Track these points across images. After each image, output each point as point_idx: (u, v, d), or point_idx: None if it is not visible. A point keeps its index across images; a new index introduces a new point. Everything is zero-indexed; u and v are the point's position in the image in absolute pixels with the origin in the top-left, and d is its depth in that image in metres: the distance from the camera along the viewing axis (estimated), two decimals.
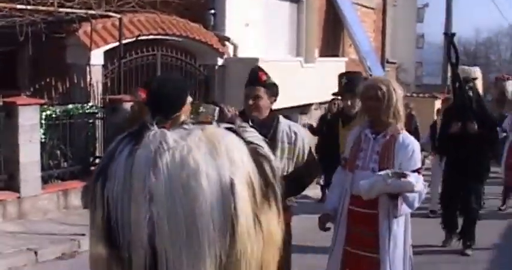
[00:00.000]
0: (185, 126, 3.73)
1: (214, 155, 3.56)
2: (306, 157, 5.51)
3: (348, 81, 7.23)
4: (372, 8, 24.80)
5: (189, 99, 4.05)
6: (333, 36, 21.48)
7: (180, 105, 3.89)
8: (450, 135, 9.35)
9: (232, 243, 3.58)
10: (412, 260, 5.58)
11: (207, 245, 3.54)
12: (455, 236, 9.77)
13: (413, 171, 5.22)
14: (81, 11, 12.25)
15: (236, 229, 3.56)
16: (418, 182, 5.04)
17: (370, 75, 19.33)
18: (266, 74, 5.52)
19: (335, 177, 5.80)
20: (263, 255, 3.78)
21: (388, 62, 26.24)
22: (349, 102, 7.20)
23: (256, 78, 5.47)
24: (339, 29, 21.55)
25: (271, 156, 3.97)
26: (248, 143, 3.87)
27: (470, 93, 9.35)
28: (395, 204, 5.18)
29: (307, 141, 5.57)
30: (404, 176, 4.98)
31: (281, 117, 5.59)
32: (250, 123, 4.58)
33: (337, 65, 18.58)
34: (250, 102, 5.42)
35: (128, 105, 11.78)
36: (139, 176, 3.55)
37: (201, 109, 4.44)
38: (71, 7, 12.34)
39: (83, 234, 9.35)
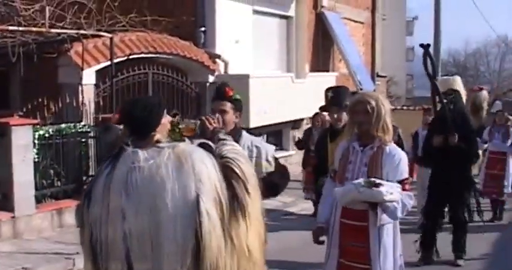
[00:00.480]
0: (159, 144, 3.87)
1: (181, 172, 3.69)
2: (273, 167, 5.65)
3: (334, 95, 7.34)
4: (361, 22, 24.98)
5: (167, 118, 4.19)
6: (323, 51, 21.62)
7: (152, 125, 4.01)
8: (433, 147, 9.38)
9: (200, 259, 3.67)
10: (403, 269, 5.70)
11: (168, 262, 3.66)
12: (432, 253, 9.60)
13: (400, 181, 5.39)
14: (72, 31, 12.34)
15: (203, 245, 3.66)
16: (392, 192, 5.17)
17: (361, 89, 19.46)
18: (232, 89, 5.67)
19: (325, 189, 5.95)
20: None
21: (378, 75, 26.39)
22: (335, 116, 7.31)
23: (223, 93, 5.65)
24: (328, 44, 21.70)
25: (247, 169, 4.05)
26: (221, 157, 4.00)
27: (451, 106, 9.36)
28: (375, 213, 5.30)
29: (271, 152, 5.70)
30: (377, 185, 5.12)
31: (244, 132, 5.75)
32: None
33: (327, 80, 18.68)
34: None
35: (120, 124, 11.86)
36: (115, 196, 3.71)
37: (180, 125, 4.60)
38: (62, 27, 12.43)
39: (78, 253, 9.42)
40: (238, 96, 5.74)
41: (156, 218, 3.63)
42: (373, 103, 5.47)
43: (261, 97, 15.59)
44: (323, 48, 21.57)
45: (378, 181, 5.21)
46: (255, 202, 4.01)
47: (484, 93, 13.53)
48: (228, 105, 5.60)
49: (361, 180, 5.25)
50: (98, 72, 12.82)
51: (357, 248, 5.49)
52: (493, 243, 11.13)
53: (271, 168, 5.65)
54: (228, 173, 3.93)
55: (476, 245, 10.09)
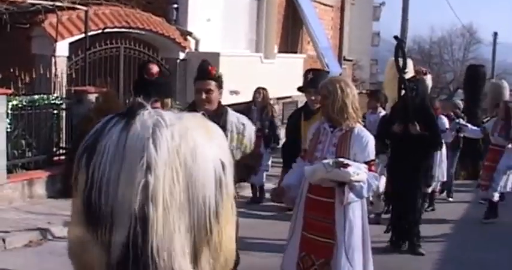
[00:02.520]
0: (173, 110, 4.06)
1: (208, 137, 3.88)
2: (252, 146, 5.84)
3: (313, 77, 7.55)
4: (331, 6, 25.13)
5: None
6: (292, 32, 21.78)
7: (172, 92, 4.23)
8: (393, 134, 9.31)
9: (218, 221, 3.91)
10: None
11: (202, 220, 3.84)
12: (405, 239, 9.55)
13: (367, 162, 5.65)
14: (48, 3, 12.33)
15: (222, 205, 3.90)
16: (358, 173, 5.41)
17: (327, 72, 19.66)
18: (214, 67, 5.82)
19: (294, 165, 6.17)
20: (234, 242, 4.19)
21: (345, 59, 26.61)
22: (312, 97, 7.52)
23: (207, 72, 5.76)
24: (298, 26, 21.85)
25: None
26: None
27: (413, 93, 9.29)
28: (342, 191, 5.53)
29: (253, 132, 5.91)
30: (345, 166, 5.35)
31: (229, 109, 5.91)
32: None
33: (295, 61, 18.91)
34: (204, 96, 5.71)
35: (92, 96, 11.95)
36: (135, 148, 3.76)
37: None
38: None
39: (49, 223, 9.56)
40: (221, 74, 5.89)
41: (187, 177, 3.77)
42: (331, 88, 5.75)
43: (230, 76, 15.61)
44: (292, 30, 21.73)
45: (346, 161, 5.44)
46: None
47: (429, 77, 13.68)
48: (213, 84, 5.74)
49: (329, 160, 5.47)
50: (71, 44, 12.84)
51: (322, 223, 5.72)
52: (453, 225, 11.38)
53: (249, 150, 5.83)
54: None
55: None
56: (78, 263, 4.19)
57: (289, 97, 19.78)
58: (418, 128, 9.06)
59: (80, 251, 4.10)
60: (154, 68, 4.42)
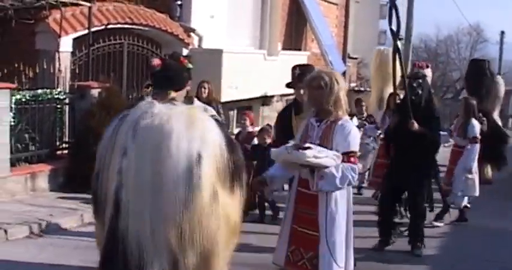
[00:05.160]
0: (174, 102, 4.22)
1: (189, 130, 4.01)
2: None
3: (301, 73, 7.67)
4: (335, 4, 25.23)
5: (187, 88, 4.63)
6: (296, 30, 21.88)
7: (176, 83, 4.39)
8: (395, 131, 9.20)
9: (190, 212, 3.98)
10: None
11: (171, 207, 3.96)
12: (391, 238, 9.43)
13: (346, 153, 5.63)
14: None
15: (194, 198, 3.97)
16: (318, 156, 5.42)
17: (332, 69, 19.75)
18: (185, 59, 5.96)
19: None
20: (218, 234, 4.17)
21: (349, 57, 26.68)
22: (301, 92, 7.64)
23: (178, 62, 5.92)
24: (302, 24, 21.96)
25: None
26: (226, 134, 4.40)
27: (419, 91, 9.08)
28: (312, 177, 5.58)
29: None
30: (305, 148, 5.41)
31: (196, 100, 6.08)
32: None
33: (299, 59, 18.92)
34: None
35: (95, 91, 12.09)
36: (121, 136, 4.04)
37: None
38: None
39: (51, 215, 9.70)
40: (190, 66, 6.03)
41: (158, 163, 3.94)
42: (327, 79, 5.77)
43: (233, 72, 15.85)
44: (296, 27, 21.83)
45: (307, 145, 5.50)
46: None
47: (429, 70, 13.45)
48: None
49: (292, 143, 5.57)
50: (74, 40, 12.97)
51: (308, 216, 5.81)
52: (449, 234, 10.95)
53: None
54: (234, 147, 4.35)
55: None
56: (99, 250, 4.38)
57: (292, 94, 19.83)
58: (416, 125, 8.88)
59: (99, 238, 4.34)
60: (155, 61, 4.59)
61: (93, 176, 4.25)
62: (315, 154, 5.41)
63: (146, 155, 3.97)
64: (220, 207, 4.12)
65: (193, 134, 4.02)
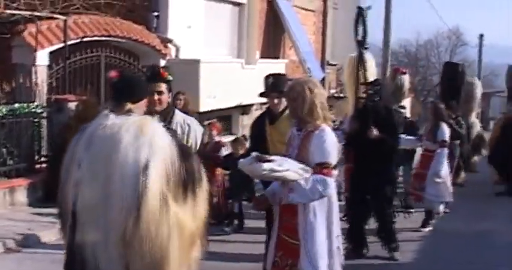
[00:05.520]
0: (130, 113, 4.30)
1: (138, 138, 4.10)
2: (198, 146, 6.08)
3: (274, 82, 7.75)
4: (313, 11, 25.30)
5: (145, 101, 4.70)
6: (274, 38, 21.95)
7: (132, 96, 4.46)
8: (357, 137, 9.18)
9: (137, 220, 4.02)
10: (342, 250, 5.99)
11: (120, 216, 4.02)
12: (363, 245, 9.43)
13: (319, 164, 5.56)
14: (27, 13, 12.51)
15: (142, 207, 4.01)
16: (278, 170, 5.37)
17: (310, 76, 19.82)
18: (165, 71, 6.10)
19: None
20: (169, 243, 4.14)
21: (328, 63, 26.70)
22: (275, 101, 7.71)
23: (158, 75, 6.08)
24: (279, 32, 22.03)
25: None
26: (179, 142, 4.44)
27: (376, 98, 9.20)
28: (285, 190, 5.58)
29: (199, 134, 6.14)
30: (266, 161, 5.38)
31: (177, 110, 6.20)
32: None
33: (277, 67, 19.00)
34: (156, 97, 5.98)
35: (72, 105, 12.11)
36: (79, 148, 4.15)
37: None
38: (17, 8, 12.60)
39: (29, 229, 9.72)
40: (170, 77, 6.15)
41: (107, 172, 4.02)
42: (299, 88, 5.75)
43: (211, 82, 15.90)
44: (274, 36, 21.90)
45: (270, 158, 5.44)
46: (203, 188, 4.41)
47: (406, 77, 13.36)
48: (163, 86, 6.06)
49: (255, 155, 5.55)
50: (51, 53, 13.00)
51: (290, 224, 5.79)
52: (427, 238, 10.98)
53: (195, 150, 6.04)
54: (188, 156, 4.35)
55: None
56: None
57: None
58: (375, 132, 8.95)
59: None
60: (111, 73, 4.65)
61: (59, 190, 4.32)
62: (273, 167, 5.38)
63: (98, 167, 4.06)
64: (172, 215, 4.12)
65: (141, 142, 4.09)
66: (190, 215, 4.28)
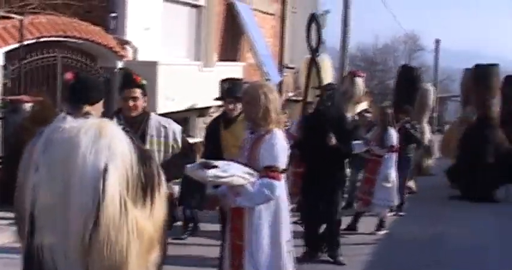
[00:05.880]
0: (88, 116, 4.29)
1: (97, 141, 4.09)
2: (180, 145, 6.09)
3: (230, 87, 7.81)
4: (271, 14, 25.37)
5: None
6: (232, 41, 21.97)
7: (89, 98, 4.44)
8: (307, 144, 9.30)
9: (96, 224, 4.01)
10: (293, 255, 6.06)
11: (78, 221, 4.01)
12: (317, 249, 9.60)
13: (267, 167, 5.66)
14: None
15: (101, 211, 4.01)
16: (221, 176, 5.44)
17: (268, 79, 19.92)
18: (139, 76, 6.10)
19: None
20: (128, 248, 4.15)
21: (287, 67, 26.80)
22: (230, 106, 7.76)
23: (132, 80, 6.10)
24: (238, 35, 22.05)
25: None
26: (138, 145, 4.43)
27: (329, 103, 9.27)
28: (230, 194, 5.70)
29: (178, 132, 6.16)
30: (211, 167, 5.43)
31: (152, 114, 6.23)
32: (122, 121, 5.23)
33: (235, 70, 19.06)
34: (131, 103, 6.01)
35: (27, 106, 12.00)
36: (37, 151, 4.12)
37: None
38: None
39: None
40: (144, 82, 6.15)
41: (65, 175, 4.00)
42: (253, 92, 5.85)
43: (168, 84, 15.86)
44: (232, 38, 21.92)
45: (215, 164, 5.49)
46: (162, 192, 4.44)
47: (360, 80, 13.41)
48: (138, 92, 6.07)
49: (201, 161, 5.70)
50: (6, 53, 12.86)
51: (237, 225, 5.89)
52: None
53: (178, 149, 6.08)
54: (146, 159, 4.37)
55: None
56: None
57: None
58: (334, 140, 9.02)
59: None
60: (67, 75, 4.63)
61: (15, 193, 4.29)
62: (218, 174, 5.44)
63: (56, 170, 4.04)
64: (131, 219, 4.12)
65: (100, 145, 4.08)
66: (149, 219, 4.29)
